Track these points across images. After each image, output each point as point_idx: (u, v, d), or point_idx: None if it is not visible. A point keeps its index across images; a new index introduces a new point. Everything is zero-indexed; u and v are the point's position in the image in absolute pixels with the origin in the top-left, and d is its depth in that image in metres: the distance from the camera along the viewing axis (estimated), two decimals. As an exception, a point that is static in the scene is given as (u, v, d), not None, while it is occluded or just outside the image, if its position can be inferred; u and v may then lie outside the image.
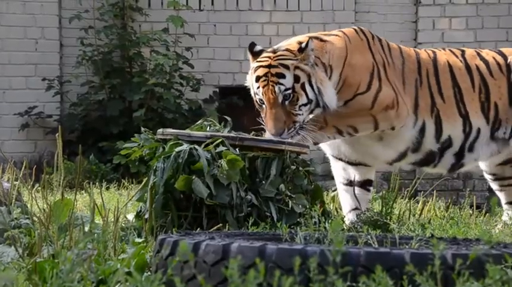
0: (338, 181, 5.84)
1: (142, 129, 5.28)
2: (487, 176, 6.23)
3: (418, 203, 6.44)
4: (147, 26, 10.55)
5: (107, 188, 7.97)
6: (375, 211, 5.42)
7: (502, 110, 5.82)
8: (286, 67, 5.42)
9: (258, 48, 5.59)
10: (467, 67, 5.85)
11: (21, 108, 10.22)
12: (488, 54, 5.96)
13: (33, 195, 4.90)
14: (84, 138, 10.04)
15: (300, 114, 5.38)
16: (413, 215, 5.83)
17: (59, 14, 10.44)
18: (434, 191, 6.81)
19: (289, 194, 4.90)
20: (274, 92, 5.38)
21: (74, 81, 10.26)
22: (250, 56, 5.60)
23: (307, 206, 4.88)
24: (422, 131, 5.72)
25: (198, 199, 4.79)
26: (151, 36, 10.27)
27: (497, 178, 6.16)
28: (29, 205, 4.96)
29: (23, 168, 5.21)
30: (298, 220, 4.83)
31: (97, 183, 8.13)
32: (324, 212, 4.99)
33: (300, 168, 5.04)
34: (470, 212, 6.44)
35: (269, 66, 5.44)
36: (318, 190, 5.11)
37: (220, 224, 4.67)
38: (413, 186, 6.33)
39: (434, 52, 5.91)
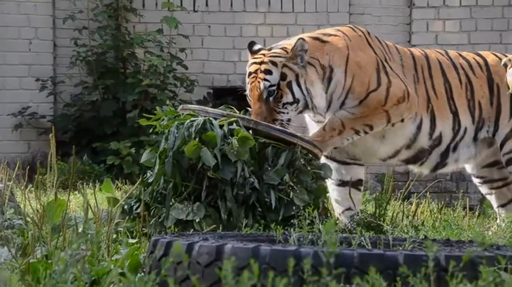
0: (330, 182, 5.85)
1: (168, 102, 5.39)
2: (476, 180, 6.25)
3: (411, 205, 6.45)
4: (141, 27, 10.54)
5: (101, 189, 7.96)
6: (369, 212, 5.43)
7: (485, 109, 5.92)
8: (275, 64, 5.49)
9: (256, 47, 5.69)
10: (454, 65, 5.95)
11: (15, 109, 10.20)
12: (468, 55, 6.09)
13: (27, 195, 4.89)
14: (77, 138, 10.02)
15: (283, 113, 5.44)
16: (407, 217, 5.84)
17: (52, 15, 10.42)
18: (428, 193, 6.81)
19: (292, 185, 4.93)
20: (259, 88, 5.45)
21: (67, 82, 10.24)
22: (249, 54, 5.67)
23: (308, 202, 4.91)
24: (419, 127, 5.78)
25: (202, 171, 4.85)
26: (146, 37, 10.26)
27: (486, 181, 6.18)
28: (22, 206, 4.95)
29: (16, 168, 5.21)
30: (295, 213, 4.85)
31: (90, 184, 8.12)
32: (322, 215, 5.01)
33: (308, 168, 5.07)
34: (464, 214, 6.45)
35: (260, 63, 5.52)
36: (322, 188, 5.15)
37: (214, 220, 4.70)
38: (406, 188, 6.34)
39: (423, 50, 6.01)
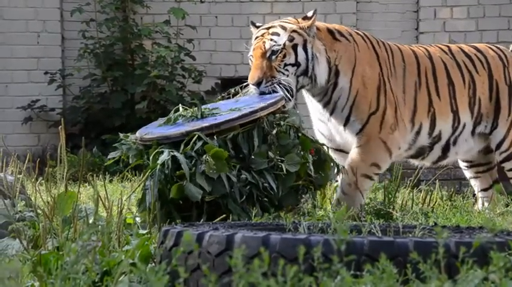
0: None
1: (121, 135, 5.32)
2: (462, 164, 6.38)
3: (420, 193, 6.45)
4: (148, 18, 10.54)
5: (110, 181, 7.98)
6: (378, 200, 5.44)
7: (483, 105, 5.97)
8: (284, 28, 5.61)
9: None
10: (457, 64, 5.99)
11: (24, 102, 10.22)
12: (470, 50, 6.10)
13: (37, 188, 4.92)
14: (87, 131, 10.04)
15: (283, 73, 5.48)
16: (416, 204, 5.84)
17: (60, 7, 10.43)
18: (437, 180, 6.82)
19: (279, 158, 4.92)
20: (264, 46, 5.55)
21: (76, 75, 10.26)
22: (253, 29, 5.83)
23: (301, 162, 4.90)
24: (418, 132, 5.85)
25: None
26: (153, 28, 10.26)
27: (472, 165, 6.32)
28: (32, 198, 4.97)
29: (26, 161, 5.23)
30: (295, 183, 4.87)
31: (100, 175, 8.14)
32: (319, 159, 5.02)
33: (282, 123, 5.04)
34: (473, 200, 6.45)
35: (269, 28, 5.66)
36: (305, 141, 5.11)
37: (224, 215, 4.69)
38: (416, 175, 6.36)
39: (427, 49, 6.02)
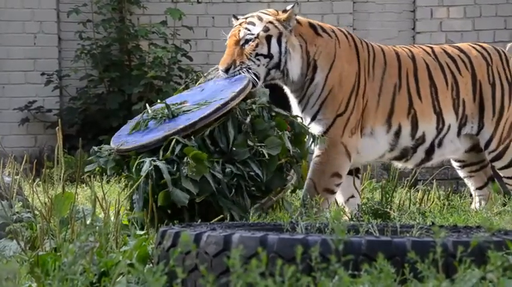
0: None
1: (95, 148, 5.26)
2: (455, 164, 6.38)
3: (418, 192, 6.46)
4: (145, 19, 10.54)
5: (108, 182, 7.97)
6: (375, 200, 5.44)
7: (468, 106, 5.98)
8: (260, 19, 5.66)
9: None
10: (440, 65, 6.00)
11: (21, 103, 10.21)
12: (453, 51, 6.10)
13: (34, 189, 4.91)
14: (84, 132, 10.04)
15: (253, 62, 5.50)
16: (414, 204, 5.85)
17: (57, 8, 10.43)
18: (434, 180, 6.82)
19: (259, 144, 4.90)
20: (239, 34, 5.60)
21: (73, 75, 10.25)
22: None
23: (281, 143, 4.91)
24: (397, 133, 5.83)
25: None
26: (150, 29, 10.26)
27: (465, 164, 6.32)
28: (30, 199, 4.97)
29: (23, 162, 5.22)
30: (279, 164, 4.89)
31: (97, 176, 8.12)
32: (295, 133, 5.01)
33: (254, 106, 5.03)
34: (471, 200, 6.46)
35: (247, 17, 5.71)
36: (280, 122, 5.10)
37: (222, 216, 4.68)
38: (413, 175, 6.36)
39: (410, 50, 6.02)
